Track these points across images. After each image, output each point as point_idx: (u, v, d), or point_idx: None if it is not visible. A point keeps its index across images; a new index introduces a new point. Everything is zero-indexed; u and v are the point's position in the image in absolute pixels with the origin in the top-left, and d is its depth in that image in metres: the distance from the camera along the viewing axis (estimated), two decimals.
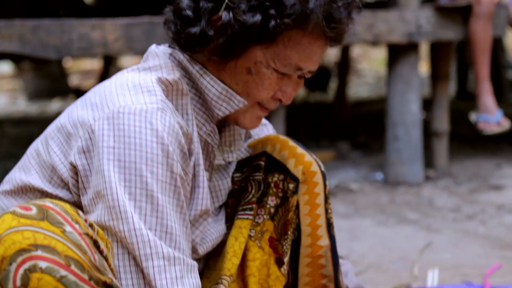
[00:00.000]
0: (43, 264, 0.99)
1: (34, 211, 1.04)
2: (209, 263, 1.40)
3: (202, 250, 1.34)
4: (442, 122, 3.90)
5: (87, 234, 1.05)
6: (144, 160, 1.15)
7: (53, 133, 1.26)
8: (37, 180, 1.24)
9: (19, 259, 0.99)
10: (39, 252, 0.99)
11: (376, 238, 2.92)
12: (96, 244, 1.06)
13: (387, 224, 3.11)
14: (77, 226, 1.04)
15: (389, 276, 2.45)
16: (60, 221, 1.03)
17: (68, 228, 1.03)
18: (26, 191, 1.25)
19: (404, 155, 3.69)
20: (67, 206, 1.07)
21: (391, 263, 2.61)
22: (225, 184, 1.42)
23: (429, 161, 3.93)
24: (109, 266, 1.07)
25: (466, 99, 5.86)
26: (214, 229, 1.38)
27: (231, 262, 1.35)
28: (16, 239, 1.00)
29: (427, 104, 4.15)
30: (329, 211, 1.45)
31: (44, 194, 1.23)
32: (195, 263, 1.20)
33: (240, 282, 1.38)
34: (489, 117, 3.48)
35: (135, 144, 1.16)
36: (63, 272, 0.99)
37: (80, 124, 1.21)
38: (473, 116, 3.56)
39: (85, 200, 1.17)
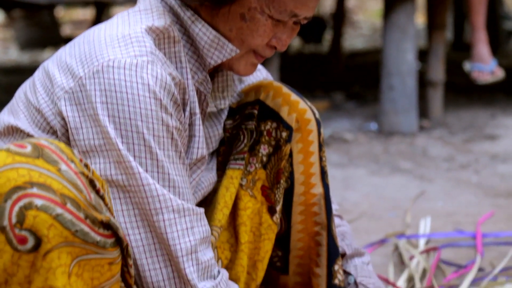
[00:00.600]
0: (38, 202, 0.98)
1: (29, 148, 1.02)
2: None
3: (195, 199, 1.34)
4: (438, 72, 3.89)
5: (82, 173, 1.03)
6: (139, 116, 1.14)
7: (41, 77, 1.24)
8: (25, 124, 1.22)
9: (14, 196, 0.98)
10: (35, 190, 0.98)
11: (369, 187, 2.93)
12: (92, 183, 1.04)
13: (380, 173, 3.11)
14: (72, 165, 1.03)
15: (381, 224, 2.46)
16: (55, 159, 1.02)
17: (63, 167, 1.02)
18: (14, 133, 1.23)
19: (398, 105, 3.68)
20: (62, 145, 1.05)
21: (384, 212, 2.62)
22: (215, 132, 1.40)
23: (423, 111, 3.93)
24: (106, 205, 1.06)
25: (462, 49, 5.84)
26: (204, 178, 1.37)
27: (222, 213, 1.34)
28: (11, 176, 0.99)
29: (423, 55, 4.13)
30: (323, 159, 1.44)
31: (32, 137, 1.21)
32: (202, 210, 1.20)
33: (231, 230, 1.38)
34: (483, 67, 3.46)
35: (127, 99, 1.14)
36: (59, 210, 0.98)
37: (70, 74, 1.19)
38: (467, 65, 3.53)
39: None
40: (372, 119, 3.94)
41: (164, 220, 1.14)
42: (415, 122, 3.72)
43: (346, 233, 1.54)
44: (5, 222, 0.97)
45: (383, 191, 2.87)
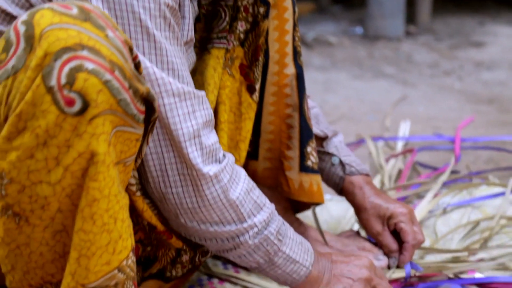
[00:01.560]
0: (89, 65, 0.92)
1: (75, 10, 0.95)
2: None
3: None
4: None
5: (126, 41, 0.97)
6: None
7: None
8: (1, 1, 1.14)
9: (65, 56, 0.92)
10: (85, 53, 0.92)
11: (351, 90, 2.89)
12: (132, 52, 0.99)
13: (363, 77, 3.06)
14: (117, 32, 0.97)
15: (360, 127, 2.44)
16: (102, 24, 0.96)
17: (110, 33, 0.96)
18: None
19: (386, 9, 3.60)
20: (104, 12, 0.99)
21: (364, 115, 2.59)
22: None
23: (411, 16, 3.85)
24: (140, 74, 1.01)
25: None
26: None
27: (213, 95, 1.28)
28: (61, 36, 0.92)
29: None
30: (297, 39, 1.40)
31: (9, 16, 1.14)
32: (203, 93, 1.15)
33: None
34: None
35: None
36: (108, 76, 0.93)
37: None
38: None
39: None
40: (358, 23, 3.86)
41: (164, 105, 1.09)
42: (402, 27, 3.65)
43: (319, 116, 1.52)
44: (53, 82, 0.92)
45: (365, 95, 2.84)
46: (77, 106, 0.93)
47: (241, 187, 1.15)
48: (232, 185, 1.14)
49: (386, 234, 1.45)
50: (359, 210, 1.47)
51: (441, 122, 2.50)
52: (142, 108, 0.98)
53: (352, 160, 1.50)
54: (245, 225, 1.16)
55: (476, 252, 1.53)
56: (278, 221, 1.20)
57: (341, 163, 1.49)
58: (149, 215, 1.16)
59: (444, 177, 1.87)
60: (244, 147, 1.33)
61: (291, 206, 1.52)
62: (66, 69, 0.92)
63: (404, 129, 2.35)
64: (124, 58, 0.97)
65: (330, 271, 1.23)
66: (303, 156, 1.41)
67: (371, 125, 2.48)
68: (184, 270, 1.26)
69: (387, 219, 1.45)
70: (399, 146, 2.21)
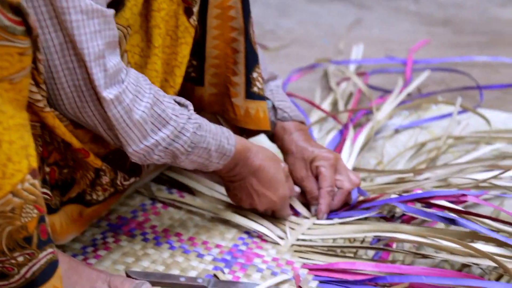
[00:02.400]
0: None
1: None
2: None
3: None
4: None
5: None
6: None
7: None
8: None
9: None
10: None
11: (305, 14, 2.84)
12: None
13: (318, 1, 3.02)
14: None
15: (313, 51, 2.41)
16: None
17: None
18: None
19: None
20: None
21: (318, 39, 2.56)
22: None
23: None
24: None
25: None
26: None
27: (130, 12, 1.22)
28: None
29: None
30: None
31: None
32: (111, 12, 1.11)
33: (142, 33, 1.28)
34: None
35: None
36: None
37: None
38: None
39: None
40: None
41: (71, 22, 1.05)
42: None
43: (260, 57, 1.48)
44: None
45: (319, 18, 2.80)
46: None
47: (145, 104, 1.14)
48: (135, 103, 1.13)
49: (310, 179, 1.42)
50: (286, 154, 1.45)
51: (395, 45, 2.48)
52: (17, 18, 0.93)
53: (287, 106, 1.46)
54: (148, 142, 1.15)
55: (422, 172, 1.53)
56: (191, 133, 1.19)
57: (274, 108, 1.45)
58: (62, 132, 1.13)
59: (392, 99, 1.86)
60: (180, 73, 1.30)
61: (239, 133, 1.50)
62: None
63: (357, 52, 2.33)
64: None
65: (244, 177, 1.30)
66: (249, 82, 1.38)
67: (325, 49, 2.45)
68: (105, 193, 1.24)
69: (310, 163, 1.42)
70: (352, 69, 2.19)
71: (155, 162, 1.20)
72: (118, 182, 1.25)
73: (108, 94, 1.10)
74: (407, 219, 1.38)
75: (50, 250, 1.07)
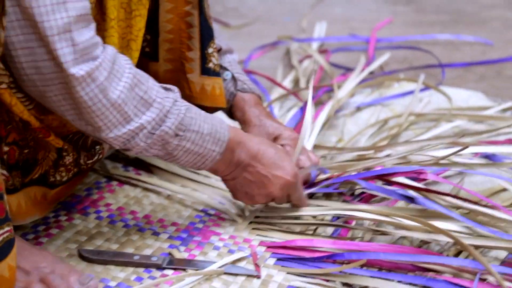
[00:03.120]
0: None
1: None
2: None
3: None
4: None
5: None
6: None
7: None
8: None
9: None
10: None
11: None
12: None
13: None
14: None
15: (276, 29, 2.38)
16: None
17: None
18: None
19: None
20: None
21: (281, 16, 2.53)
22: None
23: None
24: None
25: None
26: None
27: None
28: None
29: None
30: None
31: None
32: None
33: (98, 5, 1.24)
34: None
35: None
36: None
37: None
38: None
39: None
40: None
41: None
42: None
43: (216, 30, 1.44)
44: None
45: None
46: None
47: (123, 84, 1.08)
48: (112, 82, 1.06)
49: None
50: (247, 126, 1.39)
51: (358, 23, 2.46)
52: None
53: (246, 79, 1.43)
54: (132, 126, 1.10)
55: (383, 149, 1.52)
56: (179, 114, 1.13)
57: (234, 78, 1.41)
58: (20, 110, 1.08)
59: (354, 77, 1.84)
60: (136, 47, 1.25)
61: None
62: None
63: (320, 30, 2.31)
64: None
65: (246, 166, 1.22)
66: (204, 58, 1.35)
67: (288, 26, 2.42)
68: (69, 174, 1.20)
69: (274, 139, 1.38)
70: (314, 47, 2.17)
71: (145, 154, 1.14)
72: (82, 162, 1.20)
73: (78, 70, 1.03)
74: (367, 197, 1.37)
75: (7, 228, 1.03)
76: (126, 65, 1.10)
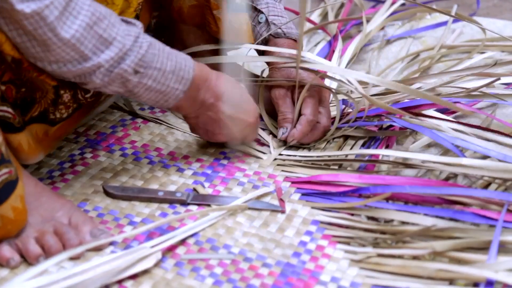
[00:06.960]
0: None
1: None
2: None
3: None
4: None
5: None
6: None
7: None
8: None
9: None
10: None
11: None
12: None
13: None
14: None
15: None
16: None
17: None
18: None
19: None
20: None
21: None
22: None
23: None
24: None
25: None
26: None
27: None
28: None
29: None
30: None
31: None
32: None
33: None
34: None
35: None
36: None
37: None
38: None
39: None
40: None
41: None
42: None
43: None
44: None
45: None
46: None
47: (79, 22, 1.05)
48: (66, 21, 1.03)
49: (287, 100, 1.33)
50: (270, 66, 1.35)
51: None
52: None
53: (282, 23, 1.36)
54: (89, 64, 1.07)
55: (413, 83, 1.48)
56: (139, 51, 1.10)
57: (267, 22, 1.37)
58: (10, 48, 1.06)
59: (385, 9, 1.79)
60: None
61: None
62: None
63: None
64: None
65: (210, 105, 1.20)
66: None
67: None
68: (69, 110, 1.18)
69: (293, 86, 1.32)
70: None
71: (103, 90, 1.12)
72: (80, 97, 1.19)
73: (24, 7, 1.00)
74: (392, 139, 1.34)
75: (5, 170, 1.03)
76: (85, 2, 1.06)
